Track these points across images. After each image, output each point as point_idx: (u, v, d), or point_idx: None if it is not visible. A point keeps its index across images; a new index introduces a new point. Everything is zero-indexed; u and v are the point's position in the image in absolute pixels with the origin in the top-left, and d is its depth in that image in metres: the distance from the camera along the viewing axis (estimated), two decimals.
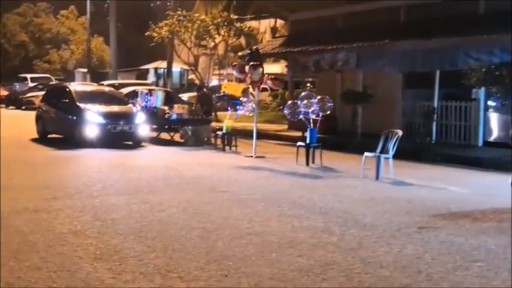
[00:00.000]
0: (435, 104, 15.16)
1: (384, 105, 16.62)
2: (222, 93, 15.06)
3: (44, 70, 45.10)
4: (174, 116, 16.55)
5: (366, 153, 10.94)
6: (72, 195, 8.48)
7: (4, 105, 31.73)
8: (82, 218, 7.08)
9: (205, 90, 20.09)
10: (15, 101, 32.59)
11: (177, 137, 17.13)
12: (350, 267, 5.37)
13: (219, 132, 15.60)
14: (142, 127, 15.49)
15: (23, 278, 4.94)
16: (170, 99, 18.56)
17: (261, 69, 13.77)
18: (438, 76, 15.00)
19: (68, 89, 16.52)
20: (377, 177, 10.53)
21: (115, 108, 15.81)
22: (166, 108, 16.93)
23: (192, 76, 34.93)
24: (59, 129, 16.27)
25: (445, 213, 7.80)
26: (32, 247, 5.82)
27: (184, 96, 24.15)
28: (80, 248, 5.81)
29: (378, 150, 10.82)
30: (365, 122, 16.69)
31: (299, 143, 12.78)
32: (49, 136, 16.50)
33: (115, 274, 5.07)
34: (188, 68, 31.58)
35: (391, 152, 10.73)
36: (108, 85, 22.38)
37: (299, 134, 15.27)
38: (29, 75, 38.77)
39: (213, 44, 25.76)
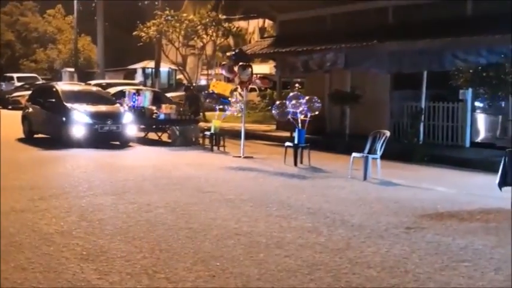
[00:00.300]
0: (423, 105, 15.22)
1: (372, 106, 16.67)
2: (210, 92, 15.01)
3: (30, 69, 44.76)
4: (161, 116, 16.50)
5: (354, 154, 10.98)
6: (59, 196, 8.42)
7: None
8: (68, 218, 7.03)
9: (192, 89, 20.03)
10: (2, 101, 32.30)
11: (164, 137, 17.08)
12: (337, 267, 5.37)
13: (207, 133, 15.57)
14: (130, 127, 15.43)
15: (9, 278, 4.89)
16: (158, 99, 18.49)
17: (249, 69, 13.75)
18: (426, 77, 15.07)
19: (54, 89, 16.40)
20: (365, 178, 10.56)
21: (102, 108, 15.72)
22: (154, 108, 16.88)
23: (180, 76, 34.81)
24: (45, 129, 16.16)
25: (432, 214, 7.83)
26: (18, 248, 5.77)
27: (170, 95, 24.05)
28: (66, 248, 5.77)
29: (366, 150, 10.85)
30: (353, 122, 16.72)
31: (287, 143, 12.78)
32: (36, 136, 16.38)
33: (102, 275, 5.03)
34: (176, 68, 31.46)
35: (379, 153, 10.77)
36: (96, 85, 22.25)
37: (287, 134, 15.31)
38: (15, 75, 38.43)
39: (201, 44, 25.69)
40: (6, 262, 5.28)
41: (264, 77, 15.26)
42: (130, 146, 15.32)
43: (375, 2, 17.68)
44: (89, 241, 6.03)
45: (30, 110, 16.80)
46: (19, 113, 18.27)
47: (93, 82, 25.53)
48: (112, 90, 20.18)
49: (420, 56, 14.80)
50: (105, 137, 15.13)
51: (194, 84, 24.96)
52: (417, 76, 15.28)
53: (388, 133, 10.99)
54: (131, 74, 39.76)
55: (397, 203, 8.47)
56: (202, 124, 18.24)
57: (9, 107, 30.33)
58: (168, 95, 24.21)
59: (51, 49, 47.49)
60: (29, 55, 47.90)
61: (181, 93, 29.60)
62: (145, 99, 17.23)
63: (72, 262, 5.34)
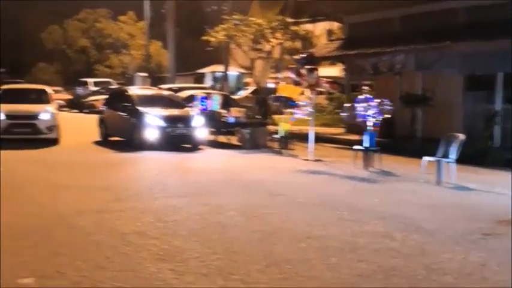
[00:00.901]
0: (498, 107, 14.71)
1: (444, 108, 16.26)
2: (279, 95, 15.08)
3: (105, 74, 46.23)
4: (231, 119, 16.70)
5: (425, 158, 10.73)
6: (134, 197, 8.67)
7: (68, 109, 32.73)
8: (144, 219, 7.22)
9: (261, 92, 20.14)
10: (78, 105, 33.52)
11: (234, 140, 17.25)
12: (413, 273, 5.29)
13: (276, 136, 15.62)
14: (201, 130, 15.66)
15: (89, 277, 5.08)
16: (227, 102, 18.73)
17: (316, 72, 13.71)
18: (501, 78, 14.56)
19: (128, 93, 16.88)
20: (438, 182, 10.30)
21: (174, 111, 16.03)
22: (223, 111, 17.09)
23: (248, 79, 35.09)
24: (120, 132, 16.64)
25: (509, 220, 7.56)
26: (97, 247, 5.98)
27: (237, 97, 24.27)
28: (143, 248, 5.93)
29: (439, 154, 10.59)
30: (424, 125, 16.37)
31: (357, 147, 12.66)
32: (111, 139, 16.92)
33: (177, 275, 5.15)
34: (244, 71, 31.75)
35: (454, 157, 10.47)
36: (167, 89, 22.72)
37: (357, 137, 15.15)
38: (90, 80, 39.76)
39: (269, 47, 25.81)
40: (85, 260, 5.49)
41: (333, 81, 15.15)
42: (200, 149, 15.56)
43: (445, 2, 17.24)
44: (164, 241, 6.18)
45: (106, 113, 17.37)
46: (94, 117, 18.91)
47: (164, 86, 26.07)
48: (183, 94, 20.58)
49: (494, 57, 14.34)
50: (176, 140, 15.42)
51: (263, 87, 25.10)
52: (491, 77, 14.81)
53: (463, 136, 10.68)
54: (200, 78, 40.42)
55: (472, 209, 8.24)
56: (270, 127, 18.31)
57: (85, 111, 31.41)
58: (236, 96, 24.45)
59: (124, 54, 48.94)
60: (103, 60, 49.55)
61: (247, 92, 29.95)
62: (215, 103, 17.48)
63: (149, 262, 5.49)
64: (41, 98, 17.30)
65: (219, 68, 37.15)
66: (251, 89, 33.23)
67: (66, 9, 49.89)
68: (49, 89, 18.91)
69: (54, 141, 15.67)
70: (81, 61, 51.09)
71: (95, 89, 35.77)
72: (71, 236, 6.33)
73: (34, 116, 15.81)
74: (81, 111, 32.22)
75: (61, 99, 31.46)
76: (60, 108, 21.86)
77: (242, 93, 30.53)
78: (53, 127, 15.91)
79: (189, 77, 41.05)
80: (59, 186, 9.43)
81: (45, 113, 15.94)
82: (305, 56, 14.35)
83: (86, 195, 8.72)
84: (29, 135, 15.55)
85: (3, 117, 15.54)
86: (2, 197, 8.34)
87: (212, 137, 17.34)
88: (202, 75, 41.16)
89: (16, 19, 50.33)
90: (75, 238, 6.28)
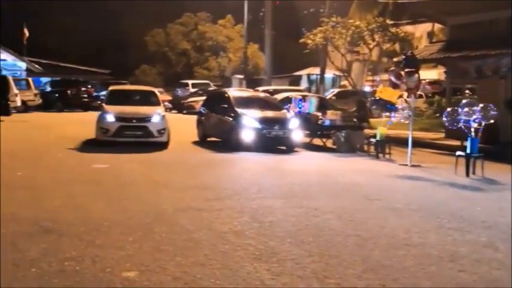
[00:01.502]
0: None
1: None
2: (377, 98, 14.83)
3: (203, 76, 47.46)
4: (327, 122, 16.63)
5: None
6: (231, 197, 8.84)
7: (168, 110, 33.90)
8: (241, 218, 7.35)
9: (360, 95, 19.90)
10: (177, 106, 34.56)
11: (329, 143, 17.17)
12: None
13: (373, 139, 15.39)
14: (296, 132, 15.71)
15: (189, 273, 5.24)
16: (323, 105, 18.67)
17: (416, 75, 13.36)
18: None
19: (226, 95, 17.20)
20: None
21: (270, 113, 16.17)
22: (319, 114, 17.05)
23: (344, 82, 34.80)
24: (217, 132, 17.01)
25: None
26: (196, 244, 6.15)
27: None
28: (240, 247, 6.04)
29: None
30: None
31: (459, 153, 12.22)
32: (208, 139, 17.33)
33: (274, 275, 5.21)
34: (341, 74, 31.53)
35: None
36: (263, 91, 22.98)
37: (457, 143, 14.63)
38: (190, 81, 40.87)
39: (366, 50, 25.46)
40: (186, 257, 5.67)
41: (434, 81, 14.68)
42: (295, 151, 15.61)
43: None
44: (261, 242, 6.27)
45: (204, 114, 17.82)
46: (193, 118, 19.45)
47: (261, 88, 26.40)
48: (279, 96, 20.74)
49: None
50: (272, 141, 15.56)
51: (360, 90, 24.81)
52: None
53: None
54: (296, 81, 40.57)
55: None
56: (367, 131, 18.06)
57: (184, 112, 32.34)
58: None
59: (222, 57, 50.03)
60: (202, 63, 50.92)
61: (331, 94, 29.72)
62: (311, 105, 17.48)
63: (246, 261, 5.59)
64: (150, 100, 16.96)
65: (315, 71, 37.13)
66: (336, 90, 32.97)
67: (169, 13, 51.72)
68: (157, 91, 18.85)
69: (164, 145, 15.46)
70: (182, 63, 52.76)
71: (193, 90, 36.73)
72: (171, 233, 6.55)
73: (146, 119, 15.29)
74: (180, 112, 33.17)
75: (163, 101, 32.63)
76: (167, 110, 22.09)
77: (327, 95, 30.34)
78: (163, 130, 15.48)
79: (284, 79, 41.32)
80: (161, 184, 9.80)
81: (156, 115, 15.49)
82: (405, 57, 13.99)
83: (186, 193, 8.98)
84: (139, 138, 15.18)
85: (112, 119, 15.17)
86: (108, 195, 8.81)
87: (307, 140, 17.36)
88: (298, 78, 41.29)
89: (121, 22, 52.75)
90: (176, 235, 6.49)
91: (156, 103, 16.77)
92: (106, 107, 15.91)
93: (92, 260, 5.50)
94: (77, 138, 16.35)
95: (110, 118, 15.20)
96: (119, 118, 15.14)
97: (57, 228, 6.60)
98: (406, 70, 13.43)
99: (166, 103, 24.78)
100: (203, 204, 8.21)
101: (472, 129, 12.00)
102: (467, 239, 6.65)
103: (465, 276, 5.30)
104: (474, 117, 11.84)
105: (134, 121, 15.19)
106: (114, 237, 6.33)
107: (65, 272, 5.16)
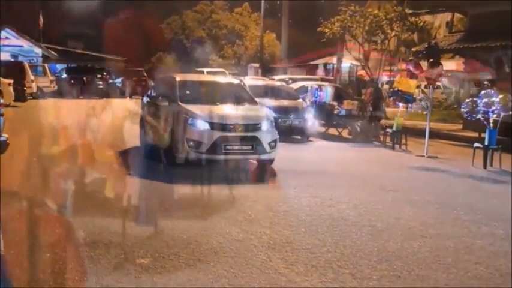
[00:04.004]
0: None
1: None
2: (395, 89, 14.69)
3: (218, 65, 47.36)
4: (343, 112, 16.53)
5: None
6: (245, 185, 8.80)
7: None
8: (255, 207, 7.32)
9: (376, 84, 19.73)
10: None
11: (344, 133, 17.06)
12: None
13: (389, 130, 15.26)
14: (311, 122, 15.63)
15: (203, 260, 5.23)
16: (339, 94, 18.54)
17: (440, 66, 13.17)
18: None
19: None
20: None
21: (285, 102, 16.07)
22: (335, 103, 16.95)
23: (361, 72, 34.53)
24: None
25: None
26: (211, 232, 6.12)
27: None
28: (255, 236, 6.01)
29: None
30: None
31: (477, 144, 12.07)
32: None
33: (288, 264, 5.18)
34: (358, 63, 31.26)
35: None
36: (279, 80, 22.87)
37: (475, 134, 14.47)
38: (205, 69, 40.78)
39: (384, 39, 25.20)
40: (200, 244, 5.65)
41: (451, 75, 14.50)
42: (310, 141, 15.53)
43: None
44: (275, 231, 6.23)
45: None
46: None
47: (277, 77, 26.27)
48: (295, 85, 20.63)
49: None
50: (287, 130, 15.41)
51: (377, 79, 24.59)
52: None
53: None
54: (313, 70, 40.31)
55: None
56: (383, 121, 17.92)
57: None
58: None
59: (238, 45, 49.88)
60: (218, 51, 50.80)
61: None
62: (327, 95, 17.39)
63: (260, 250, 5.56)
64: (242, 96, 11.61)
65: (331, 60, 36.87)
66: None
67: (185, 2, 51.64)
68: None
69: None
70: (197, 51, 52.66)
71: None
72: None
73: (256, 126, 10.09)
74: None
75: None
76: None
77: None
78: (273, 143, 10.26)
79: (301, 68, 41.10)
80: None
81: (266, 121, 10.39)
82: (429, 46, 13.75)
83: None
84: (247, 156, 10.17)
85: (206, 126, 9.74)
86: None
87: (323, 129, 17.27)
88: (315, 67, 41.04)
89: (138, 9, 52.71)
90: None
91: (251, 100, 11.42)
92: (187, 106, 10.19)
93: None
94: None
95: (202, 125, 9.80)
96: (215, 125, 9.76)
97: None
98: (431, 60, 13.23)
99: None
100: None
101: (491, 121, 11.84)
102: (483, 232, 6.57)
103: (481, 269, 5.24)
104: (493, 108, 11.67)
105: (239, 129, 9.85)
106: (133, 224, 6.33)
107: None
